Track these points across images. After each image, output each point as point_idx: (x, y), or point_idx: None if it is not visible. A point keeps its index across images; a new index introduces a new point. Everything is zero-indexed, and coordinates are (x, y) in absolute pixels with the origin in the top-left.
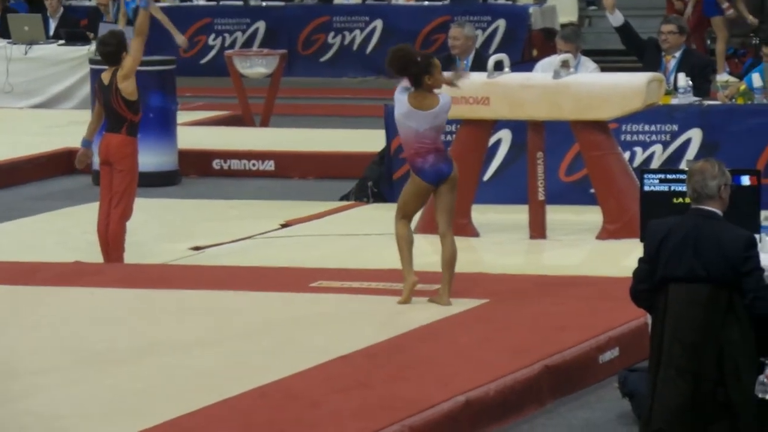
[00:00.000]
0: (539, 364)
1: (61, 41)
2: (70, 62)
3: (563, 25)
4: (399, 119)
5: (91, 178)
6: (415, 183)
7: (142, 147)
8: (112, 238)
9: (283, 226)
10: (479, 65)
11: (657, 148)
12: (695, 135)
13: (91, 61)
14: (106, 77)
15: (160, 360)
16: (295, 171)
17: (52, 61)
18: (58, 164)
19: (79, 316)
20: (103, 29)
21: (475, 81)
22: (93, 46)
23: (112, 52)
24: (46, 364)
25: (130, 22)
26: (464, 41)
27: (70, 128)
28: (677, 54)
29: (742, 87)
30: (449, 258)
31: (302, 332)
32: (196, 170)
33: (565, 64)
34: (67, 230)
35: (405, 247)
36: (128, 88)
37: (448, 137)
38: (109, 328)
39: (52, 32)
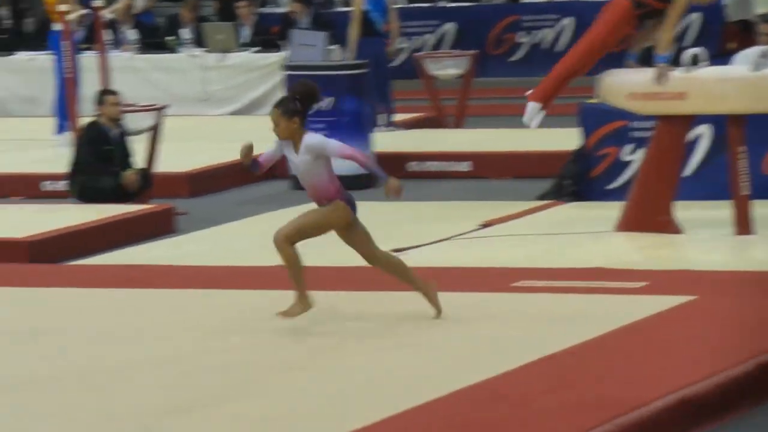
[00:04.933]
0: (753, 361)
1: (256, 48)
2: (264, 69)
3: (761, 16)
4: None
5: (288, 183)
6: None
7: None
8: None
9: (483, 226)
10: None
11: None
12: None
13: (284, 68)
14: None
15: (363, 361)
16: (491, 171)
17: (245, 69)
18: None
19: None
20: (296, 36)
21: (671, 76)
22: (285, 53)
23: None
24: (262, 363)
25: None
26: None
27: (266, 134)
28: None
29: None
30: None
31: (505, 332)
32: (392, 172)
33: (765, 55)
34: (270, 234)
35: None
36: None
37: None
38: (322, 327)
39: (246, 40)
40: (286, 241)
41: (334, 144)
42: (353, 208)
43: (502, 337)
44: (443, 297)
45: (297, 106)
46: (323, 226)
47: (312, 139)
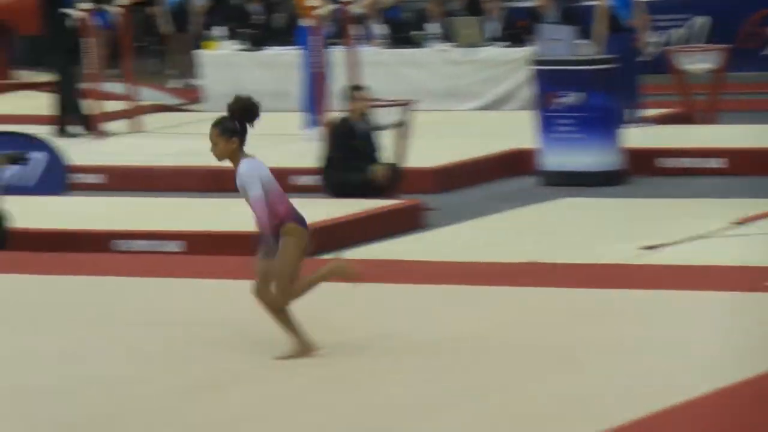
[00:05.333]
0: None
1: (504, 43)
2: (511, 64)
3: None
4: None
5: (537, 179)
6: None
7: (584, 146)
8: None
9: (736, 224)
10: None
11: None
12: None
13: (531, 62)
14: None
15: (610, 361)
16: (747, 168)
17: (493, 63)
18: (505, 166)
19: (530, 315)
20: (543, 30)
21: None
22: (532, 48)
23: None
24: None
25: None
26: None
27: (511, 131)
28: None
29: None
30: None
31: (759, 330)
32: (642, 169)
33: None
34: (519, 230)
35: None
36: None
37: None
38: (532, 326)
39: (494, 34)
40: (284, 302)
41: (254, 193)
42: (304, 225)
43: (757, 336)
44: (688, 296)
45: (236, 126)
46: (296, 257)
47: (242, 169)
